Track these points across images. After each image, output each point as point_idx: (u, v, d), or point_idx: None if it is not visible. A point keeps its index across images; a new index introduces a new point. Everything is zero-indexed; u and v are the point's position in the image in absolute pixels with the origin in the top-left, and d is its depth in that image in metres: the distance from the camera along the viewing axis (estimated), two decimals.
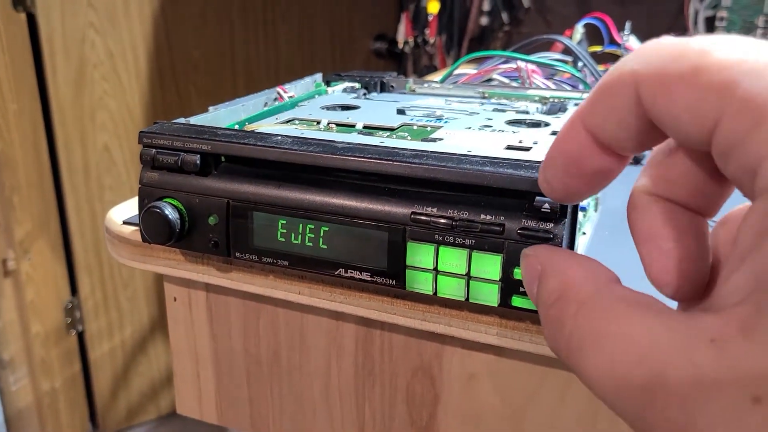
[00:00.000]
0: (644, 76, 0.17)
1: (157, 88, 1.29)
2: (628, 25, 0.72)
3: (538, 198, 0.29)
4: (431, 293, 0.32)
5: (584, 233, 0.40)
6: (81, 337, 1.29)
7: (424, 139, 0.37)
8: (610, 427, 0.35)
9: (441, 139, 0.37)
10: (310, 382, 0.42)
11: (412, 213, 0.31)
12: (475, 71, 0.54)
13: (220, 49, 1.35)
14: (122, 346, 1.34)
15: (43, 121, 1.16)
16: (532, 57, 0.52)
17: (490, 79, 0.54)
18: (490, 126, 0.39)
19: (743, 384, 0.14)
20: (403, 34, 1.08)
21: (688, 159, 0.19)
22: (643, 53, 0.18)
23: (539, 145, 0.35)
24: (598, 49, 0.71)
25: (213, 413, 0.46)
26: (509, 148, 0.35)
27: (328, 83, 0.51)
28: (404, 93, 0.51)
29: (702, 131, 0.16)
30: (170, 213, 0.35)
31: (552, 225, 0.29)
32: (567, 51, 0.68)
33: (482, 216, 0.30)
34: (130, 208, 0.43)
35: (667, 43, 0.17)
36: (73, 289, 1.27)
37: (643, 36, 0.76)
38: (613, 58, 0.78)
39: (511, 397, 0.37)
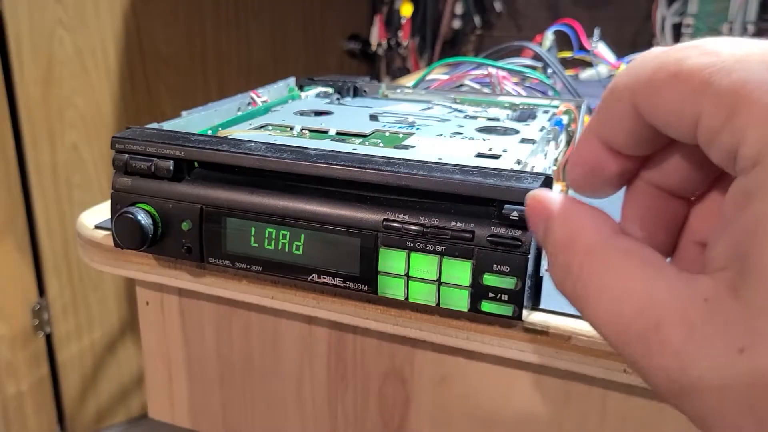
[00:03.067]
0: (635, 88, 0.19)
1: (127, 86, 1.27)
2: (597, 31, 0.74)
3: (507, 206, 0.30)
4: (403, 298, 0.33)
5: None
6: (49, 339, 1.27)
7: (396, 146, 0.37)
8: (576, 428, 0.36)
9: (413, 146, 0.37)
10: (283, 386, 0.42)
11: (384, 220, 0.32)
12: (447, 76, 0.55)
13: (191, 47, 1.34)
14: (91, 349, 1.33)
15: (10, 119, 1.14)
16: (503, 63, 0.53)
17: (461, 85, 0.55)
18: (461, 133, 0.40)
19: (731, 337, 0.16)
20: (376, 36, 1.08)
21: (682, 152, 0.21)
22: (633, 67, 0.20)
23: (509, 153, 0.36)
24: (567, 54, 0.73)
25: (185, 417, 0.46)
26: (479, 155, 0.36)
27: (301, 87, 0.51)
28: (377, 98, 0.51)
29: (688, 129, 0.18)
30: (143, 218, 0.35)
31: (520, 232, 0.30)
32: (537, 57, 0.69)
33: (453, 223, 0.31)
34: (101, 211, 0.43)
35: (650, 56, 0.19)
36: (41, 291, 1.24)
37: (612, 42, 0.78)
38: (583, 63, 0.80)
39: (481, 400, 0.37)
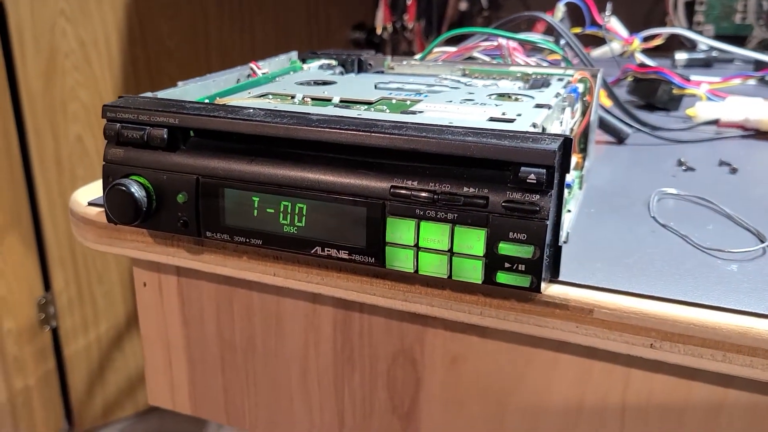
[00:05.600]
0: None
1: (130, 78, 1.26)
2: (609, 6, 0.71)
3: (523, 168, 0.28)
4: (412, 271, 0.31)
5: (569, 211, 0.38)
6: (55, 333, 1.26)
7: (404, 112, 0.35)
8: (596, 410, 0.34)
9: (421, 112, 0.35)
10: (287, 369, 0.40)
11: (392, 187, 0.30)
12: (455, 49, 0.53)
13: (194, 38, 1.32)
14: (98, 342, 1.31)
15: (13, 111, 1.13)
16: (514, 34, 0.51)
17: (470, 58, 0.53)
18: (472, 99, 0.38)
19: None
20: (381, 19, 1.06)
21: None
22: None
23: (523, 117, 0.34)
24: (578, 30, 0.70)
25: (186, 403, 0.44)
26: (492, 120, 0.34)
27: (303, 61, 0.49)
28: (382, 72, 0.49)
29: None
30: (136, 191, 0.33)
31: (538, 197, 0.28)
32: (548, 32, 0.67)
33: (465, 189, 0.29)
34: (97, 189, 0.41)
35: None
36: (47, 285, 1.23)
37: (624, 18, 0.76)
38: (594, 41, 0.77)
39: (496, 380, 0.35)
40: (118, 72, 1.24)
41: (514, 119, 0.33)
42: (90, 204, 0.39)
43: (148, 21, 1.25)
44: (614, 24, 0.70)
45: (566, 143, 0.29)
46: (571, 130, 0.41)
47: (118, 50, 1.23)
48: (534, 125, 0.32)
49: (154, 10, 1.25)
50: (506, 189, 0.29)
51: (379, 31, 1.07)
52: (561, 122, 0.38)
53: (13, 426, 1.23)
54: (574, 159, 0.41)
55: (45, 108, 1.16)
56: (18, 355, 1.21)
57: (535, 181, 0.28)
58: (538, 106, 0.36)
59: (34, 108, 1.14)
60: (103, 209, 0.38)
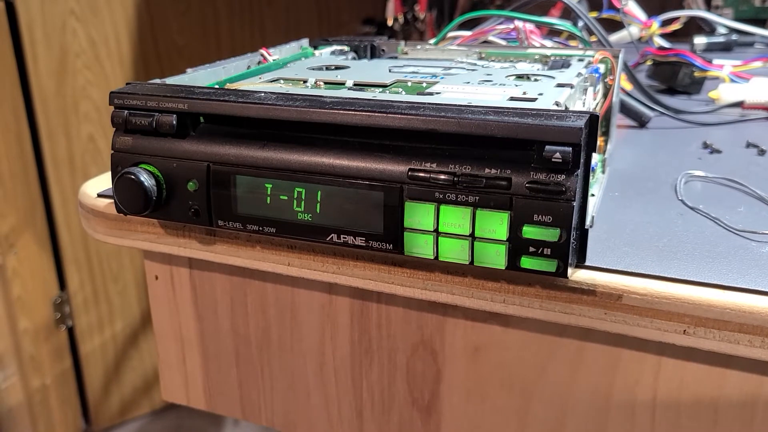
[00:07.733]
0: None
1: (141, 76, 1.25)
2: None
3: (548, 147, 0.27)
4: (432, 257, 0.29)
5: (593, 195, 0.37)
6: (71, 332, 1.26)
7: (420, 94, 0.34)
8: (626, 401, 0.32)
9: (438, 93, 0.34)
10: (303, 362, 0.39)
11: (410, 170, 0.29)
12: (470, 33, 0.51)
13: (204, 35, 1.31)
14: (113, 341, 1.31)
15: (25, 111, 1.13)
16: (531, 16, 0.49)
17: (486, 42, 0.52)
18: (490, 80, 0.37)
19: None
20: (392, 10, 1.05)
21: None
22: None
23: (545, 97, 0.32)
24: (595, 14, 0.69)
25: (201, 398, 0.43)
26: (513, 99, 0.32)
27: (315, 48, 0.48)
28: (396, 57, 0.48)
29: None
30: (146, 179, 0.32)
31: (564, 177, 0.27)
32: (564, 16, 0.65)
33: (486, 170, 0.28)
34: (106, 181, 0.40)
35: None
36: (62, 284, 1.23)
37: (641, 1, 0.74)
38: (611, 26, 0.76)
39: (519, 371, 0.34)
40: (129, 70, 1.23)
41: (536, 98, 0.32)
42: (99, 195, 0.38)
43: (158, 19, 1.24)
44: (632, 7, 0.68)
45: (592, 120, 0.27)
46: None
47: (128, 49, 1.22)
48: (557, 104, 0.31)
49: (164, 8, 1.25)
50: (530, 169, 0.27)
51: (390, 22, 1.06)
52: (584, 103, 0.37)
53: (32, 425, 1.23)
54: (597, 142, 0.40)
55: (57, 108, 1.16)
56: (34, 354, 1.21)
57: (560, 161, 0.27)
58: (560, 85, 0.35)
59: (46, 108, 1.14)
60: (112, 200, 0.37)
